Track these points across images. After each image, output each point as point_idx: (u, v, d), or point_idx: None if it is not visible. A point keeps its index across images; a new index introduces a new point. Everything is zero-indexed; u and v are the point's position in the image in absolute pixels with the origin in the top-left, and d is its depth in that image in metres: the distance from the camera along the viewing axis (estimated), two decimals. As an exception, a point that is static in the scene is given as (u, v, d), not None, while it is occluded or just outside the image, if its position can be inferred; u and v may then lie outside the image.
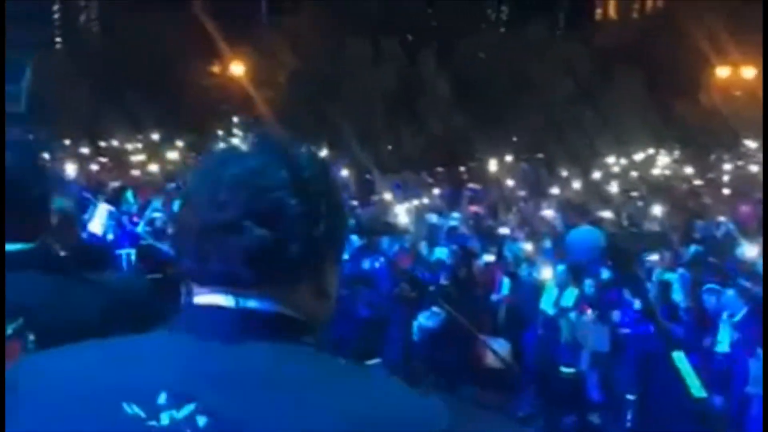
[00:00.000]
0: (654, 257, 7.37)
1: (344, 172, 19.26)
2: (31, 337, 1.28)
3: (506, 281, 8.02)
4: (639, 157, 27.70)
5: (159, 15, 27.25)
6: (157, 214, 9.30)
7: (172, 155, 25.05)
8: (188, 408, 0.84)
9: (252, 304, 0.90)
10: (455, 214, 12.85)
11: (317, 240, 0.92)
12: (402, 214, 12.39)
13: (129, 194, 11.35)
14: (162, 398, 0.85)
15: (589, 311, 5.95)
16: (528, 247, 9.18)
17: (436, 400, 0.91)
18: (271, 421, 0.84)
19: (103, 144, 27.85)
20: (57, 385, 0.90)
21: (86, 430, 0.86)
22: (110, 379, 0.87)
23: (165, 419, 0.84)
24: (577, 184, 19.44)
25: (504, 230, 11.31)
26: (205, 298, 0.92)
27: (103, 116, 25.55)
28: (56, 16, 34.50)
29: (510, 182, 19.80)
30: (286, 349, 0.89)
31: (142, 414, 0.84)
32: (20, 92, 7.69)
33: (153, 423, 0.84)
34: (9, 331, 1.28)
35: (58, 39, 33.68)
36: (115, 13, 30.32)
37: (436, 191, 18.06)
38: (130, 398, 0.85)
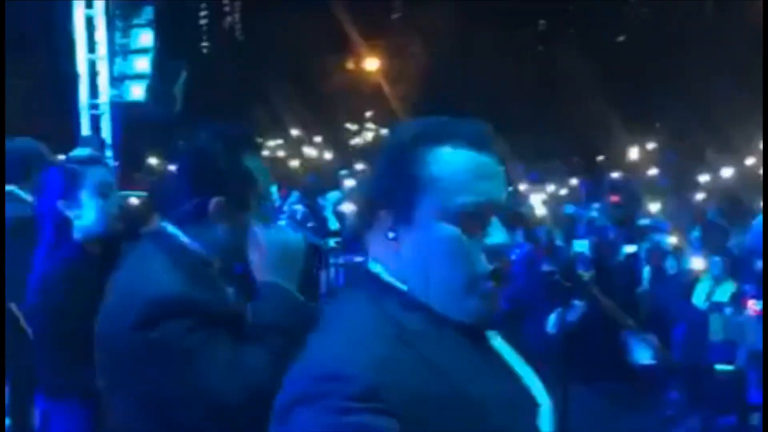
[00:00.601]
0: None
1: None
2: None
3: (650, 274, 7.68)
4: (801, 140, 25.42)
5: (297, 15, 28.32)
6: (297, 207, 9.71)
7: (311, 151, 25.99)
8: None
9: (358, 260, 1.24)
10: (595, 205, 12.45)
11: (377, 204, 1.12)
12: (538, 204, 12.16)
13: (272, 189, 11.94)
14: None
15: (751, 305, 5.58)
16: (674, 238, 8.74)
17: None
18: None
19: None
20: None
21: None
22: None
23: None
24: (728, 172, 18.18)
25: (647, 221, 10.83)
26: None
27: (247, 115, 26.94)
28: (204, 22, 36.73)
29: (653, 171, 18.87)
30: (347, 294, 1.15)
31: None
32: (176, 95, 8.36)
33: None
34: None
35: (205, 44, 35.87)
36: (255, 16, 31.86)
37: (573, 181, 17.55)
38: None
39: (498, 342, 1.23)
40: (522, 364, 1.23)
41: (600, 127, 24.80)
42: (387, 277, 1.12)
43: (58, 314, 2.31)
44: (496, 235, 1.13)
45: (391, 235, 1.10)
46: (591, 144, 25.16)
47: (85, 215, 2.44)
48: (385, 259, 1.13)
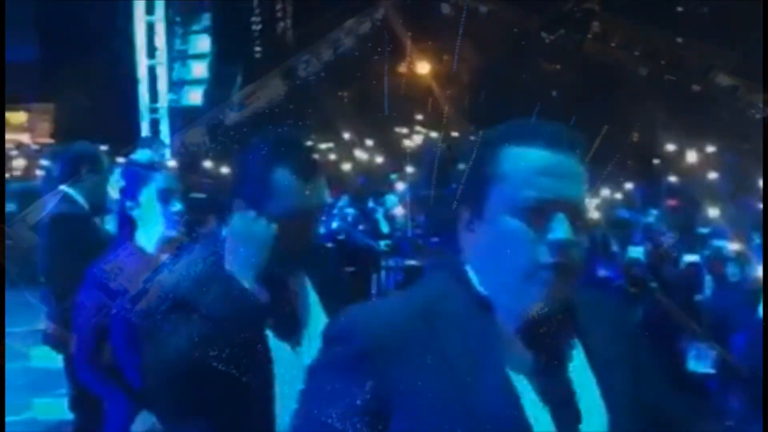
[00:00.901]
0: None
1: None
2: None
3: (711, 281, 7.49)
4: None
5: (347, 19, 28.53)
6: (348, 210, 9.78)
7: (362, 154, 26.13)
8: None
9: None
10: (652, 210, 12.19)
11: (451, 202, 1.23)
12: (591, 209, 11.98)
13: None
14: None
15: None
16: (735, 244, 8.49)
17: None
18: None
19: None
20: None
21: None
22: None
23: None
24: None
25: (706, 228, 10.55)
26: None
27: (299, 118, 27.23)
28: (257, 28, 37.36)
29: (712, 175, 18.36)
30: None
31: None
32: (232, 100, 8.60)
33: None
34: None
35: (258, 49, 36.46)
36: (307, 20, 32.19)
37: (628, 185, 17.21)
38: None
39: (575, 351, 1.22)
40: (588, 376, 1.21)
41: (656, 130, 24.27)
42: (465, 266, 1.23)
43: (87, 309, 2.44)
44: (559, 230, 1.16)
45: (469, 227, 1.22)
46: (646, 146, 24.63)
47: (148, 219, 2.52)
48: (466, 250, 1.23)
